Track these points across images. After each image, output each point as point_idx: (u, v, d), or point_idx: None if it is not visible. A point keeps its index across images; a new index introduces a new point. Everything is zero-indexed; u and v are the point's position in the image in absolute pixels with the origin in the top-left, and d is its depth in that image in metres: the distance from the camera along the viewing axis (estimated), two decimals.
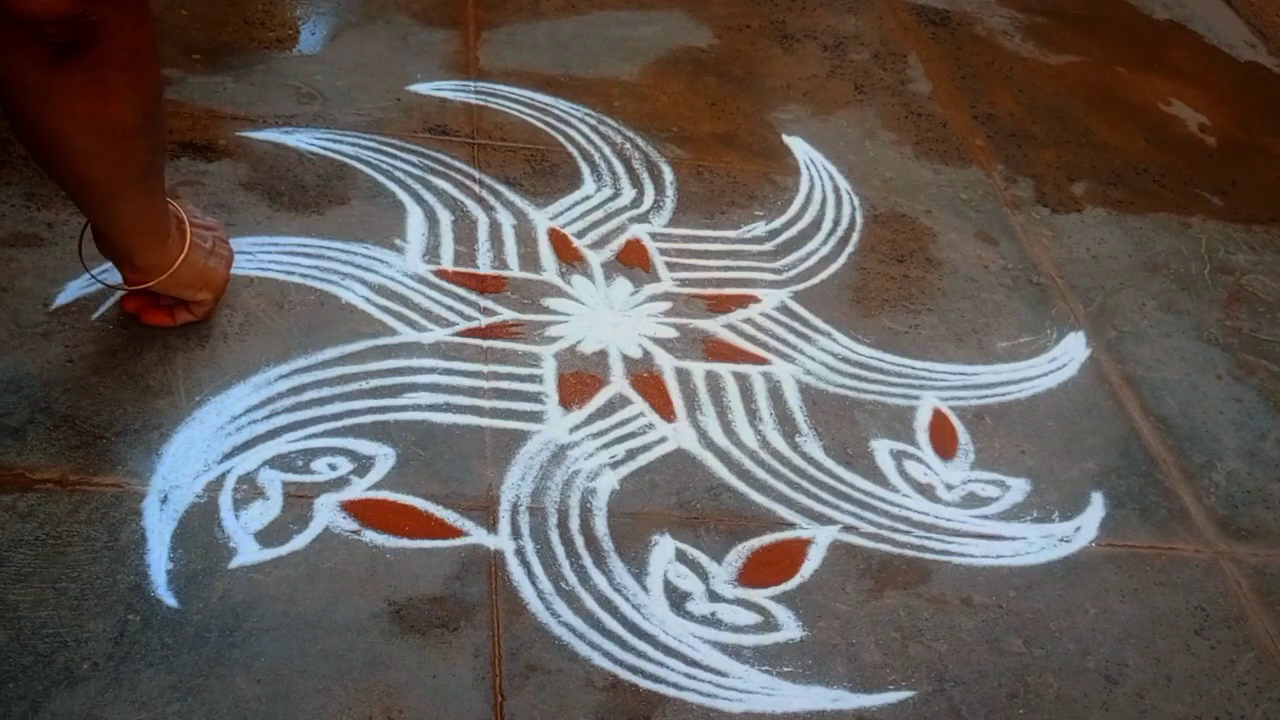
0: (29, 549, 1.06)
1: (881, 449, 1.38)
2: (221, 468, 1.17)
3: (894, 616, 1.20)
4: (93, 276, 1.25)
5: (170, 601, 1.06)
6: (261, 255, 1.41)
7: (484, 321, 1.40)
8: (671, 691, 1.09)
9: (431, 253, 1.48)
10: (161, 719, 0.98)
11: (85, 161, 1.04)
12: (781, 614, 1.18)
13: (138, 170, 1.09)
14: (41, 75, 0.95)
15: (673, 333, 1.46)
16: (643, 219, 1.62)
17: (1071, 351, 1.58)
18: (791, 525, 1.27)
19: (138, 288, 1.22)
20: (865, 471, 1.34)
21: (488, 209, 1.56)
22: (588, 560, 1.18)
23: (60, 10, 0.91)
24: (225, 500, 1.14)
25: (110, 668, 1.00)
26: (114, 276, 1.23)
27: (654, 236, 1.59)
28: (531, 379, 1.35)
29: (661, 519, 1.24)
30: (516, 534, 1.19)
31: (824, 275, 1.60)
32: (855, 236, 1.68)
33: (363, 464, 1.21)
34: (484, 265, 1.48)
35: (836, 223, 1.70)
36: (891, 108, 1.98)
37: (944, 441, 1.41)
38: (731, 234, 1.63)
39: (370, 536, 1.15)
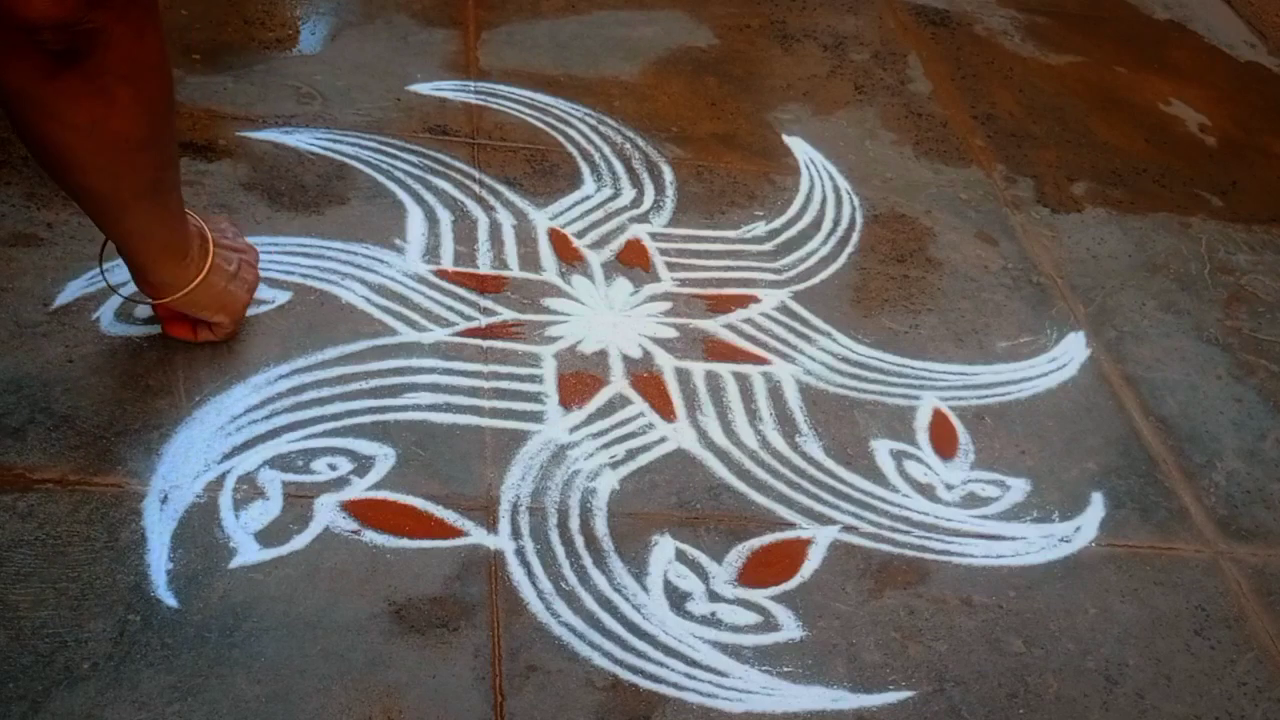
0: (29, 549, 1.06)
1: (881, 449, 1.38)
2: (221, 468, 1.17)
3: (894, 616, 1.20)
4: (111, 288, 1.25)
5: (170, 601, 1.06)
6: (261, 255, 1.40)
7: (484, 321, 1.40)
8: (671, 691, 1.09)
9: (431, 253, 1.48)
10: (161, 719, 0.98)
11: (88, 173, 1.02)
12: (781, 614, 1.18)
13: (144, 185, 1.07)
14: (41, 84, 0.93)
15: (673, 333, 1.46)
16: (643, 219, 1.62)
17: (1071, 351, 1.58)
18: (791, 525, 1.27)
19: (151, 303, 1.21)
20: (865, 471, 1.34)
21: (488, 209, 1.56)
22: (588, 560, 1.18)
23: (57, 16, 0.89)
24: (225, 500, 1.14)
25: (110, 668, 1.00)
26: (132, 287, 1.22)
27: (654, 236, 1.59)
28: (531, 379, 1.35)
29: (661, 519, 1.24)
30: (516, 534, 1.19)
31: (824, 275, 1.60)
32: (855, 236, 1.68)
33: (363, 464, 1.21)
34: (484, 265, 1.48)
35: (836, 223, 1.70)
36: (891, 108, 1.98)
37: (944, 441, 1.41)
38: (731, 234, 1.63)
39: (370, 536, 1.15)
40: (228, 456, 1.18)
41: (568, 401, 1.33)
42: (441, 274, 1.45)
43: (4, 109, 0.98)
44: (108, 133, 0.99)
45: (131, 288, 1.22)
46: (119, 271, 1.21)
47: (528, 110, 1.76)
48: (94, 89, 0.96)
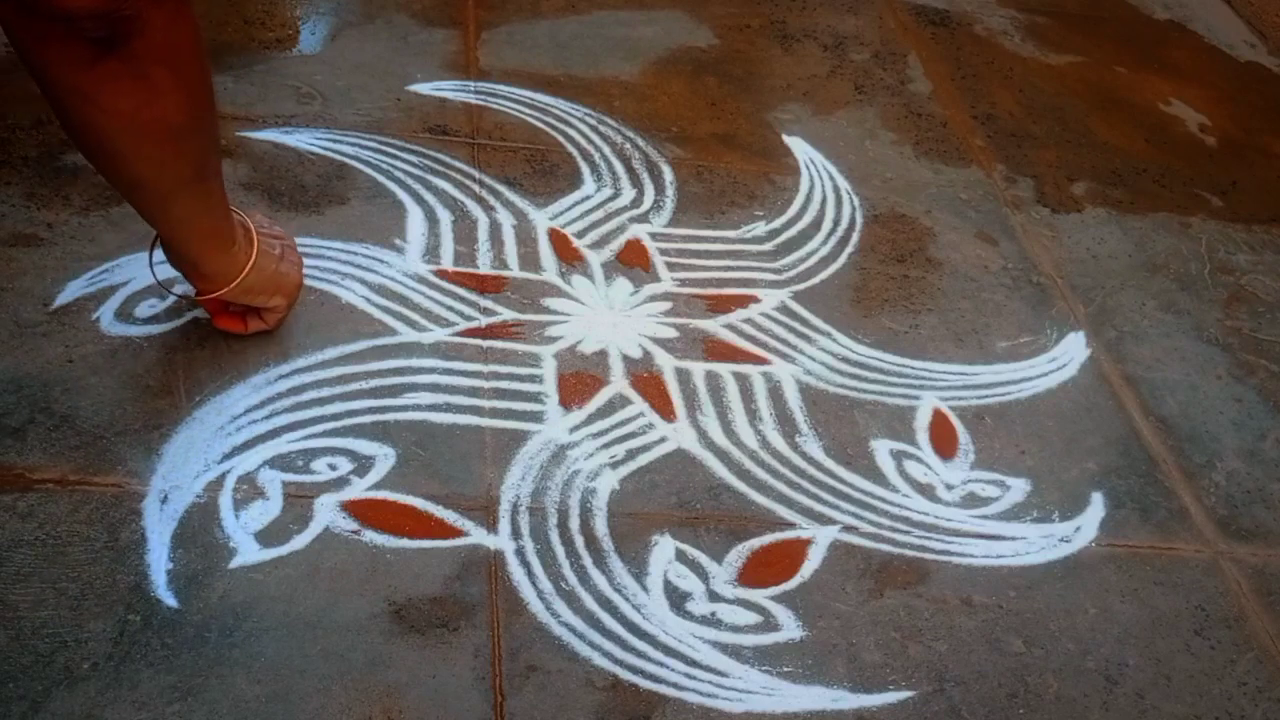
0: (29, 549, 1.06)
1: (881, 449, 1.38)
2: (221, 468, 1.17)
3: (894, 616, 1.20)
4: (161, 285, 1.25)
5: (170, 601, 1.06)
6: None
7: (484, 321, 1.40)
8: (671, 691, 1.09)
9: (431, 253, 1.48)
10: (161, 719, 0.98)
11: (132, 162, 1.02)
12: (781, 614, 1.18)
13: (189, 172, 1.07)
14: (82, 72, 0.94)
15: (673, 333, 1.46)
16: (643, 219, 1.62)
17: (1071, 351, 1.58)
18: (791, 525, 1.27)
19: (208, 297, 1.21)
20: (865, 471, 1.34)
21: (488, 209, 1.56)
22: (588, 560, 1.18)
23: (94, 5, 0.89)
24: (225, 500, 1.14)
25: (110, 668, 1.00)
26: (184, 286, 1.22)
27: (654, 236, 1.59)
28: (531, 379, 1.35)
29: (661, 519, 1.24)
30: (516, 534, 1.19)
31: (824, 275, 1.60)
32: (855, 236, 1.68)
33: (363, 464, 1.21)
34: (484, 265, 1.48)
35: (836, 223, 1.70)
36: (891, 108, 1.98)
37: (944, 441, 1.41)
38: (731, 234, 1.63)
39: (370, 536, 1.15)
40: (228, 456, 1.18)
41: (568, 401, 1.33)
42: (441, 274, 1.45)
43: (47, 99, 0.98)
44: (150, 119, 0.99)
45: (184, 286, 1.22)
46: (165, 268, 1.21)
47: (528, 110, 1.76)
48: (134, 73, 0.96)
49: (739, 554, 1.22)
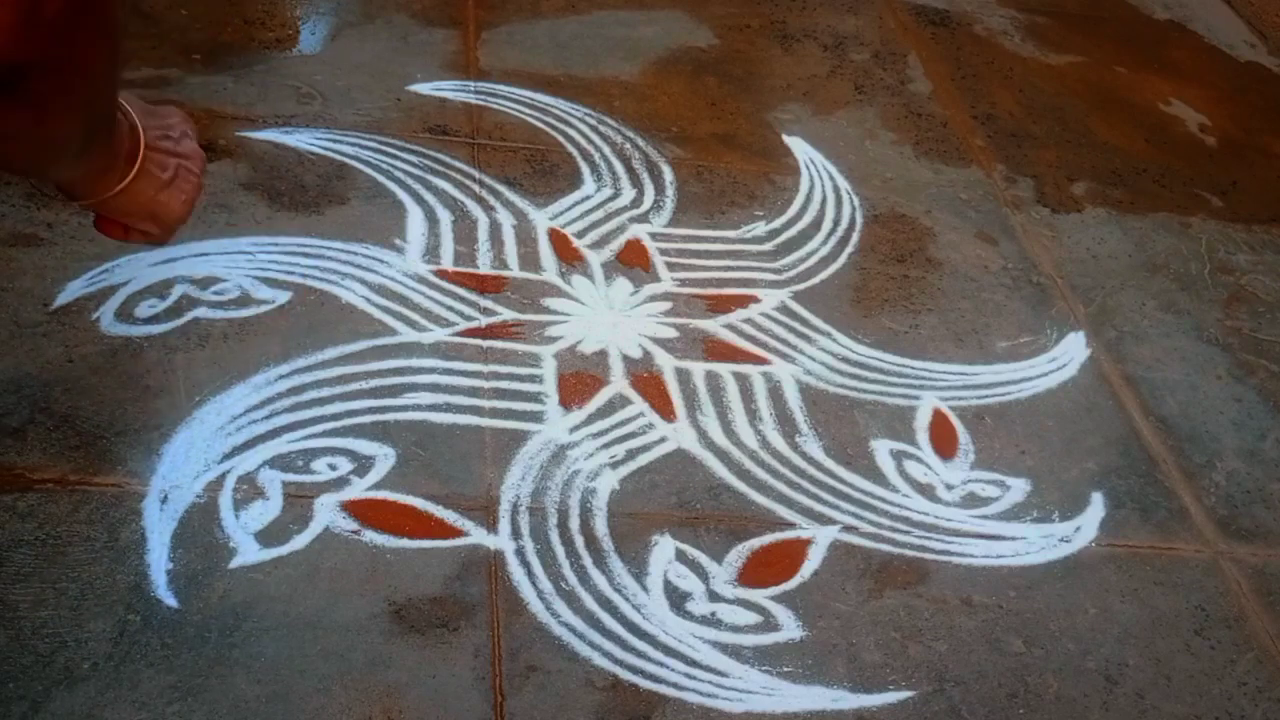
0: (29, 549, 1.06)
1: (881, 449, 1.38)
2: (221, 468, 1.17)
3: (894, 616, 1.20)
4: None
5: (170, 601, 1.06)
6: (261, 255, 1.41)
7: (484, 321, 1.40)
8: (671, 691, 1.09)
9: (431, 253, 1.48)
10: (161, 719, 0.98)
11: (13, 162, 0.90)
12: (781, 614, 1.18)
13: (76, 150, 0.95)
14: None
15: (673, 333, 1.45)
16: (643, 219, 1.62)
17: (1071, 351, 1.58)
18: (791, 525, 1.27)
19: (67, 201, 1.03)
20: (865, 471, 1.34)
21: (488, 209, 1.56)
22: (588, 560, 1.18)
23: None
24: (225, 500, 1.14)
25: (110, 668, 1.00)
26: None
27: (654, 236, 1.59)
28: (531, 379, 1.35)
29: (661, 519, 1.24)
30: (516, 534, 1.18)
31: (824, 275, 1.60)
32: (855, 236, 1.68)
33: (363, 464, 1.21)
34: (484, 265, 1.48)
35: (836, 223, 1.70)
36: (891, 108, 1.98)
37: (944, 441, 1.40)
38: (731, 234, 1.63)
39: (370, 536, 1.15)
40: (228, 456, 1.18)
41: (568, 401, 1.33)
42: (441, 274, 1.45)
43: None
44: (38, 137, 0.90)
45: None
46: None
47: (528, 110, 1.76)
48: (22, 105, 0.87)
49: (739, 554, 1.22)
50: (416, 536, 1.16)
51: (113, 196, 1.06)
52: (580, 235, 1.56)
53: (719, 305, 1.51)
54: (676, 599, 1.17)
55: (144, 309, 1.28)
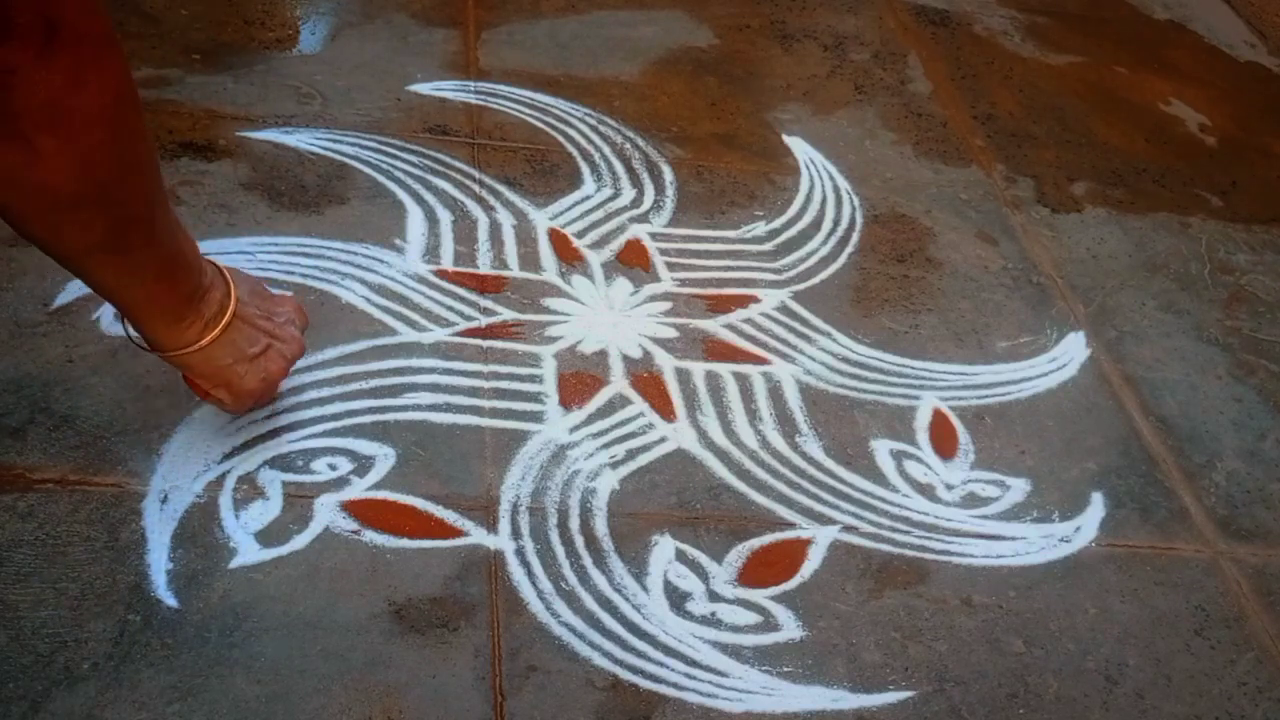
0: (29, 549, 1.06)
1: (881, 449, 1.38)
2: (221, 468, 1.17)
3: (894, 616, 1.20)
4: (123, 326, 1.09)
5: (170, 601, 1.06)
6: (261, 255, 1.41)
7: (484, 321, 1.40)
8: (671, 691, 1.09)
9: (431, 253, 1.48)
10: (161, 719, 0.98)
11: (22, 222, 0.89)
12: (781, 614, 1.18)
13: (98, 241, 0.91)
14: None
15: (673, 333, 1.46)
16: (643, 219, 1.62)
17: (1071, 351, 1.58)
18: (791, 525, 1.27)
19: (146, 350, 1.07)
20: (865, 471, 1.34)
21: (488, 209, 1.56)
22: (588, 560, 1.18)
23: None
24: (225, 500, 1.14)
25: (110, 668, 1.00)
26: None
27: (654, 236, 1.59)
28: (531, 379, 1.35)
29: (661, 519, 1.24)
30: (516, 534, 1.19)
31: (824, 275, 1.60)
32: (855, 236, 1.68)
33: (363, 464, 1.21)
34: (484, 265, 1.48)
35: (836, 223, 1.70)
36: (891, 108, 1.98)
37: (944, 441, 1.41)
38: (731, 234, 1.63)
39: (370, 536, 1.15)
40: (228, 456, 1.18)
41: (568, 401, 1.33)
42: (441, 274, 1.45)
43: None
44: (29, 184, 0.86)
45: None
46: None
47: (528, 110, 1.76)
48: (8, 133, 0.83)
49: (739, 554, 1.22)
50: (416, 536, 1.16)
51: (189, 353, 1.06)
52: (580, 235, 1.56)
53: (719, 305, 1.51)
54: (676, 599, 1.17)
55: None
